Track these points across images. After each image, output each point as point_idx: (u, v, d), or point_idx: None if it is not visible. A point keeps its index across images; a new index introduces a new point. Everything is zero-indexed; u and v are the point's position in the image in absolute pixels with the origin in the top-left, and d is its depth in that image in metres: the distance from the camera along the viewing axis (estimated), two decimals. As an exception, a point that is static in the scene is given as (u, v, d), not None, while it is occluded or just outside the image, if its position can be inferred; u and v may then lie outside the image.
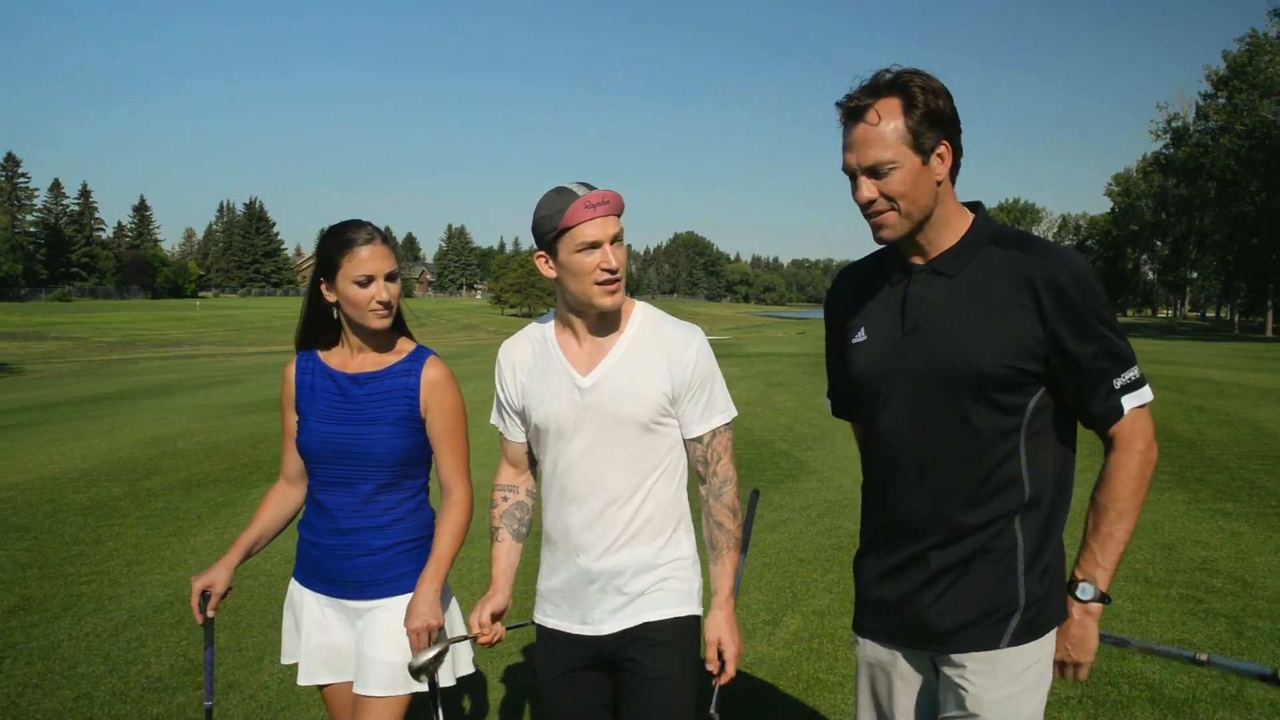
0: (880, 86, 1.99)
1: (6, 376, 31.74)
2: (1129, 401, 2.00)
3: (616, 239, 2.27)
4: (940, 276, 2.06)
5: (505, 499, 2.56)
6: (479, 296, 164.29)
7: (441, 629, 2.51)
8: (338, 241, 2.50)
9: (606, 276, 2.25)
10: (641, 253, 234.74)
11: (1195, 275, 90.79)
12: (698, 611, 2.39)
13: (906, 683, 2.19)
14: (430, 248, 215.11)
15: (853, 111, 2.00)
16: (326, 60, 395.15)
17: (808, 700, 4.15)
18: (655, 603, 2.33)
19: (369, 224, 2.55)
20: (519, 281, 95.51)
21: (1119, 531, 2.06)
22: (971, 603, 2.02)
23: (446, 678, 2.59)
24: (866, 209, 2.03)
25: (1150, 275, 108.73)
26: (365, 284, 2.48)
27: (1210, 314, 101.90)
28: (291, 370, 2.67)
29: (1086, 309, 1.95)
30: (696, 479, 2.42)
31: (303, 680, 2.66)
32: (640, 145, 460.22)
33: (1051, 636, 2.07)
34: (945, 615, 2.04)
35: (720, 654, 2.31)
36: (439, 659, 2.44)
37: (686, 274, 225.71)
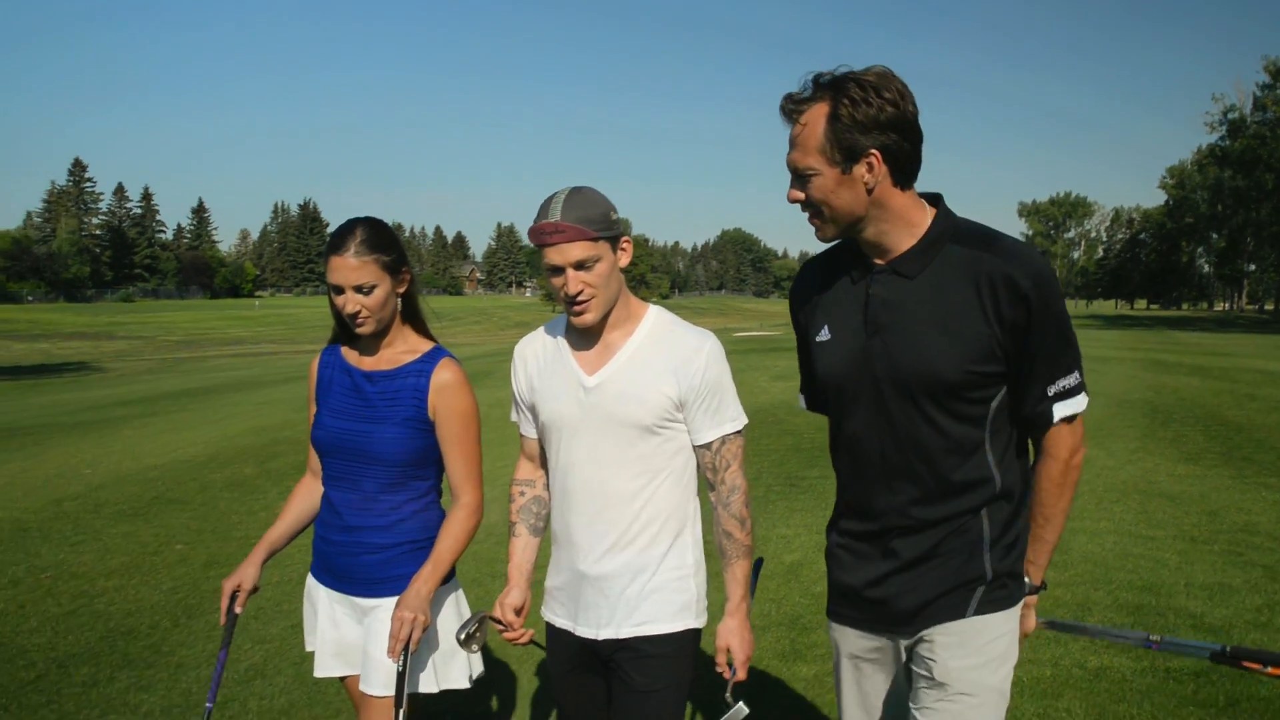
0: (814, 90, 1.97)
1: (92, 374, 33.20)
2: (1059, 410, 2.01)
3: (582, 264, 2.23)
4: (900, 278, 2.03)
5: (522, 494, 2.59)
6: (529, 294, 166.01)
7: (431, 628, 2.54)
8: (328, 244, 2.50)
9: (573, 300, 2.27)
10: (689, 250, 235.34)
11: (1253, 268, 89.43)
12: (694, 624, 2.38)
13: (880, 666, 2.24)
14: (479, 246, 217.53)
15: (784, 112, 2.01)
16: (379, 61, 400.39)
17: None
18: (649, 615, 2.33)
19: (359, 228, 2.48)
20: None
21: (1048, 534, 2.13)
22: (937, 579, 2.06)
23: (460, 679, 2.66)
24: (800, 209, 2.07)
25: (1206, 268, 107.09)
26: (337, 293, 2.47)
27: (1269, 307, 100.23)
28: (315, 364, 2.70)
29: (1040, 313, 1.93)
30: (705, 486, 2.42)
31: (318, 672, 2.69)
32: (688, 143, 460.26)
33: (1017, 610, 2.11)
34: (913, 596, 2.08)
35: (731, 659, 2.35)
36: (481, 628, 2.48)
37: (734, 270, 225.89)
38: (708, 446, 2.34)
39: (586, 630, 2.37)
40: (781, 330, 50.46)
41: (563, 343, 2.42)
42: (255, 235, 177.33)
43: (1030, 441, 2.10)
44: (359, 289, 2.45)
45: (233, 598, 2.65)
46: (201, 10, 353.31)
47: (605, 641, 2.34)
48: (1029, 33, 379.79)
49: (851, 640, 2.24)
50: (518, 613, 2.47)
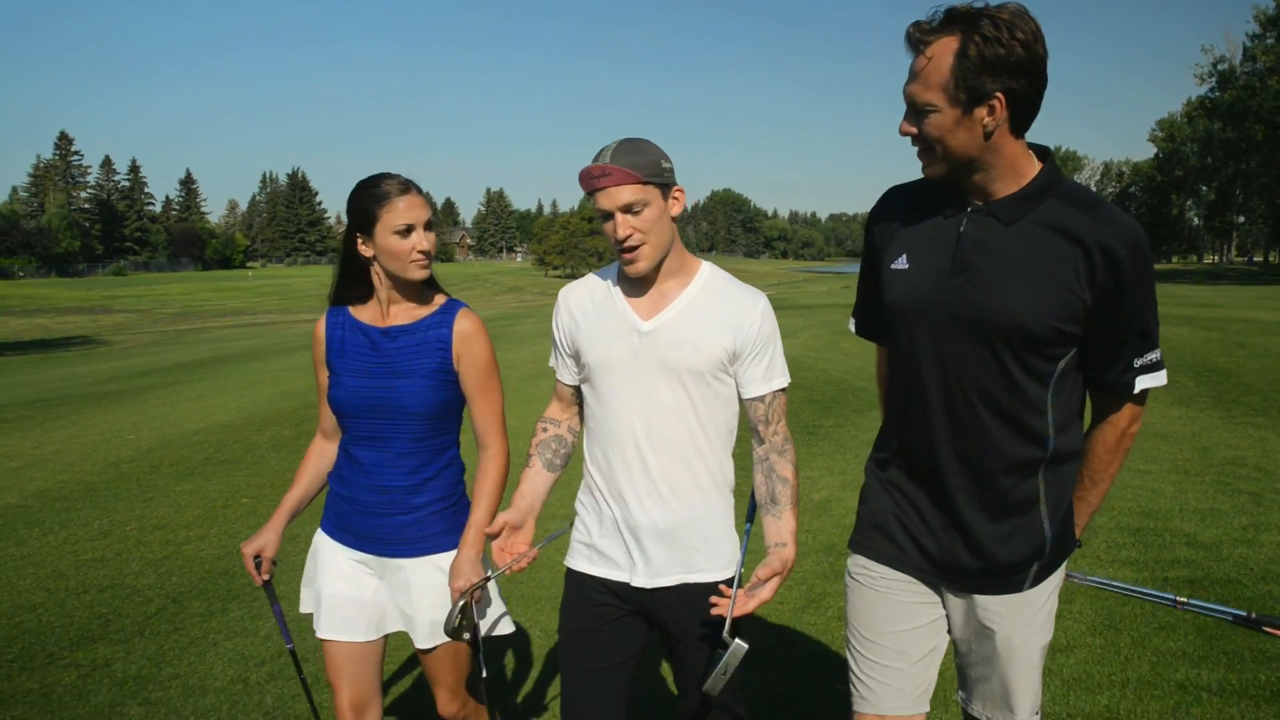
0: (944, 21, 1.87)
1: (97, 348, 33.54)
2: (1143, 381, 2.00)
3: (630, 208, 2.21)
4: (997, 221, 1.97)
5: (545, 430, 2.56)
6: (519, 259, 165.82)
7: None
8: (373, 194, 2.46)
9: (621, 245, 2.25)
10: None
11: (1242, 220, 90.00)
12: (733, 573, 2.35)
13: (906, 605, 2.19)
14: (469, 212, 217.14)
15: (910, 40, 1.91)
16: (365, 29, 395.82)
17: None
18: (702, 564, 2.33)
19: (398, 175, 2.51)
20: (561, 243, 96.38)
21: (1093, 497, 2.16)
22: (997, 547, 2.04)
23: (510, 623, 2.69)
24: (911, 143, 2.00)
25: (1196, 221, 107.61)
26: (405, 234, 2.46)
27: (1258, 259, 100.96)
28: (321, 327, 2.66)
29: (1134, 283, 1.90)
30: (753, 441, 2.42)
31: (320, 632, 2.64)
32: (676, 102, 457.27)
33: (1063, 568, 2.17)
34: (972, 557, 2.07)
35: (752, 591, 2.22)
36: (465, 613, 2.44)
37: (724, 231, 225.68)
38: (760, 399, 2.36)
39: (639, 579, 2.33)
40: (774, 290, 50.95)
41: (615, 289, 2.40)
42: (244, 206, 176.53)
43: (1092, 406, 2.10)
44: (428, 225, 2.50)
45: (257, 565, 2.70)
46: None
47: (651, 589, 2.33)
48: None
49: (883, 574, 2.20)
50: (514, 529, 2.38)
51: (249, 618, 4.92)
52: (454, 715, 2.68)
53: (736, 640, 2.14)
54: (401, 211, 2.44)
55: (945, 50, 1.84)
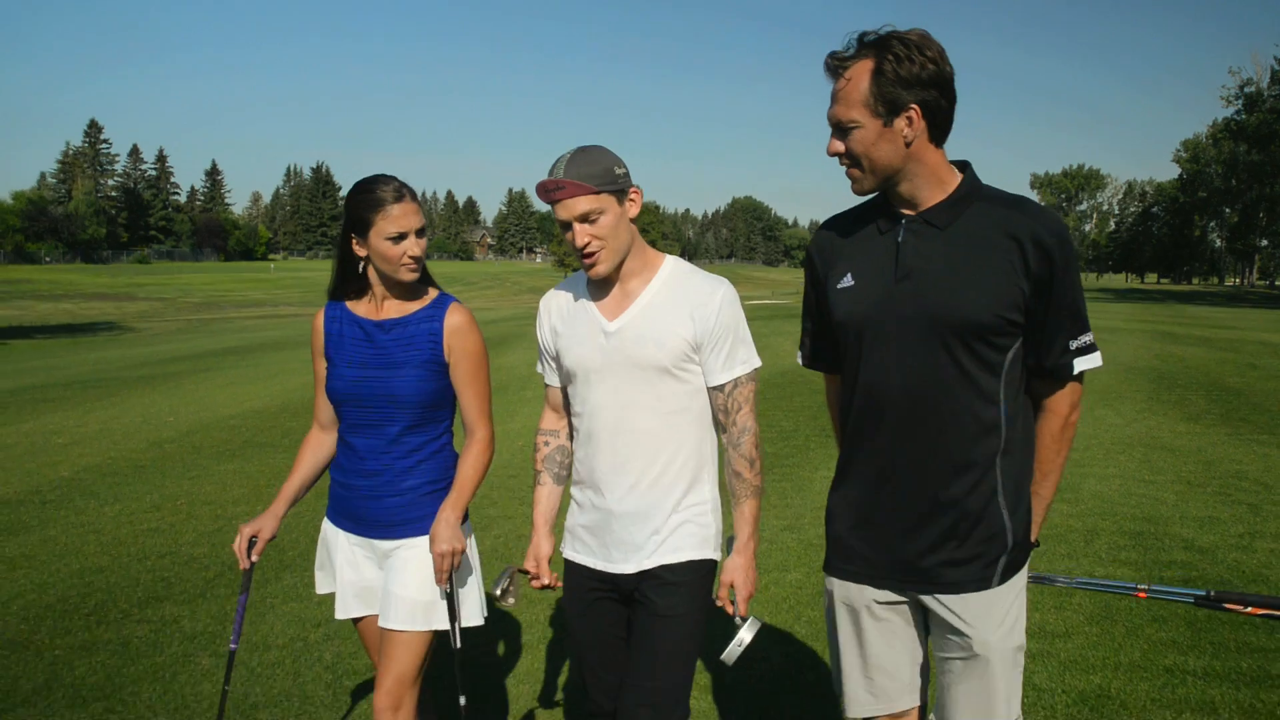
0: (858, 48, 2.05)
1: (124, 334, 34.12)
2: (1080, 363, 2.11)
3: (586, 217, 2.31)
4: (931, 227, 2.10)
5: (547, 444, 2.68)
6: (539, 259, 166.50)
7: (465, 561, 2.67)
8: (369, 199, 2.55)
9: (581, 252, 2.35)
10: (700, 217, 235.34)
11: (1265, 243, 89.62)
12: (713, 556, 2.48)
13: (887, 620, 2.26)
14: (490, 211, 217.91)
15: (828, 68, 2.08)
16: (394, 24, 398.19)
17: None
18: (672, 546, 2.43)
19: (395, 179, 2.60)
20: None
21: (1045, 490, 2.25)
22: (962, 544, 2.12)
23: (468, 618, 2.75)
24: (839, 162, 2.14)
25: (1218, 243, 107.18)
26: (397, 240, 2.56)
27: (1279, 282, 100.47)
28: (320, 320, 2.76)
29: (1061, 269, 2.04)
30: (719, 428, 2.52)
31: (340, 613, 2.80)
32: (698, 111, 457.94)
33: (1026, 569, 2.23)
34: (936, 555, 2.13)
35: (734, 595, 2.42)
36: (514, 582, 2.63)
37: (744, 239, 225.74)
38: (720, 389, 2.44)
39: (614, 566, 2.47)
40: (792, 299, 51.16)
41: (585, 293, 2.52)
42: (268, 198, 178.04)
43: (1035, 396, 2.20)
44: (419, 232, 2.60)
45: (251, 547, 2.76)
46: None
47: (632, 574, 2.45)
48: (1045, 6, 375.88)
49: (853, 593, 2.27)
50: (549, 561, 2.61)
51: (302, 585, 5.28)
52: (388, 707, 2.62)
53: (752, 617, 2.34)
54: (394, 219, 2.54)
55: (862, 71, 2.03)
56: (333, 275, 2.75)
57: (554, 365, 2.60)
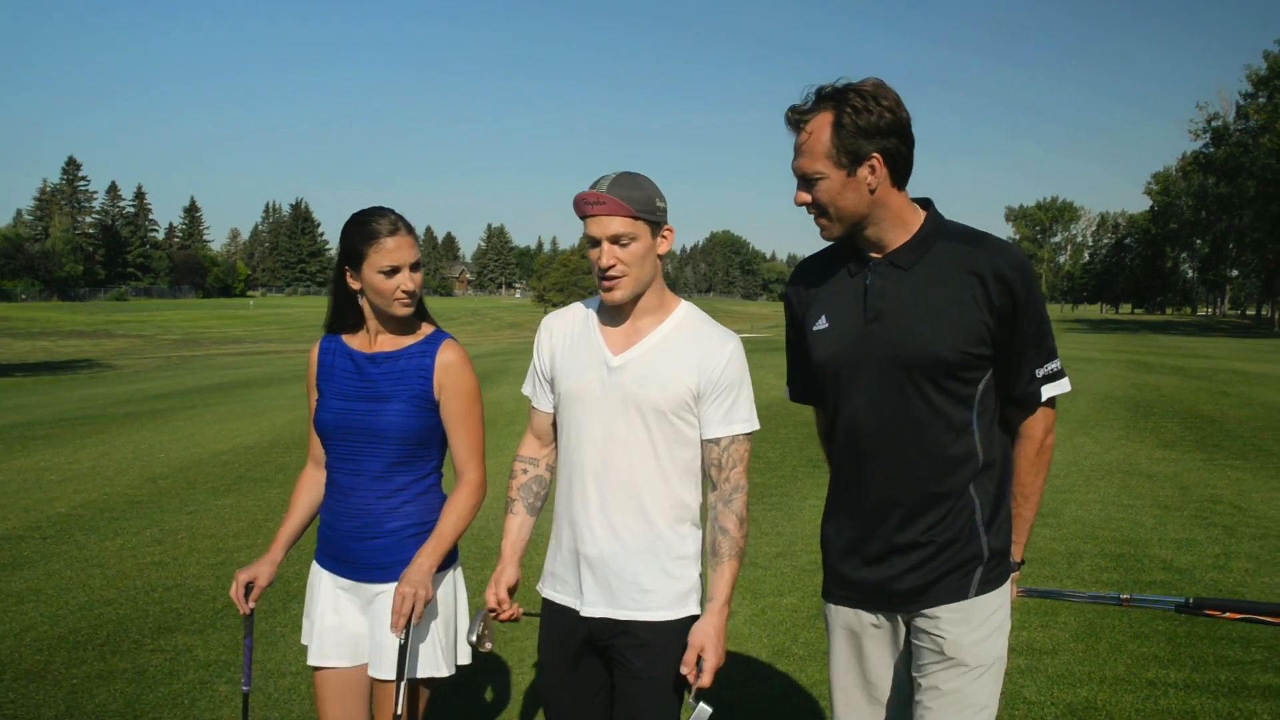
0: (816, 101, 2.11)
1: (104, 371, 33.99)
2: (1048, 390, 2.19)
3: (618, 239, 2.27)
4: (897, 269, 2.17)
5: (525, 471, 2.59)
6: (519, 295, 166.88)
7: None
8: (363, 231, 2.51)
9: (603, 273, 2.30)
10: (678, 252, 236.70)
11: (1235, 273, 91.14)
12: (693, 612, 2.37)
13: (881, 643, 2.32)
14: (469, 247, 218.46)
15: (789, 122, 2.15)
16: (371, 60, 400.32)
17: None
18: (651, 602, 2.34)
19: (391, 212, 2.56)
20: (561, 280, 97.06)
21: (1026, 511, 2.32)
22: (939, 561, 2.18)
23: (448, 665, 2.65)
24: (807, 210, 2.19)
25: (1190, 273, 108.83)
26: (391, 274, 2.51)
27: (1251, 312, 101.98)
28: (315, 352, 2.74)
29: (1024, 301, 2.10)
30: (708, 485, 2.43)
31: (311, 660, 2.69)
32: (676, 144, 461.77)
33: (1009, 584, 2.28)
34: (917, 576, 2.19)
35: (700, 661, 2.25)
36: (488, 626, 2.48)
37: (723, 273, 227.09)
38: (716, 442, 2.36)
39: (588, 609, 2.38)
40: (773, 333, 51.57)
41: (592, 319, 2.45)
42: (246, 235, 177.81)
43: (1010, 424, 2.27)
44: (414, 266, 2.55)
45: (247, 592, 2.70)
46: (194, 9, 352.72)
47: (604, 621, 2.36)
48: (1015, 36, 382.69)
49: (850, 618, 2.33)
50: (511, 592, 2.49)
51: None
52: None
53: (701, 704, 2.15)
54: (388, 252, 2.50)
55: (823, 124, 2.09)
56: (329, 308, 2.72)
57: (546, 389, 2.53)
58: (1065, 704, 3.98)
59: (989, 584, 2.19)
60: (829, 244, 2.31)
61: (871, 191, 2.11)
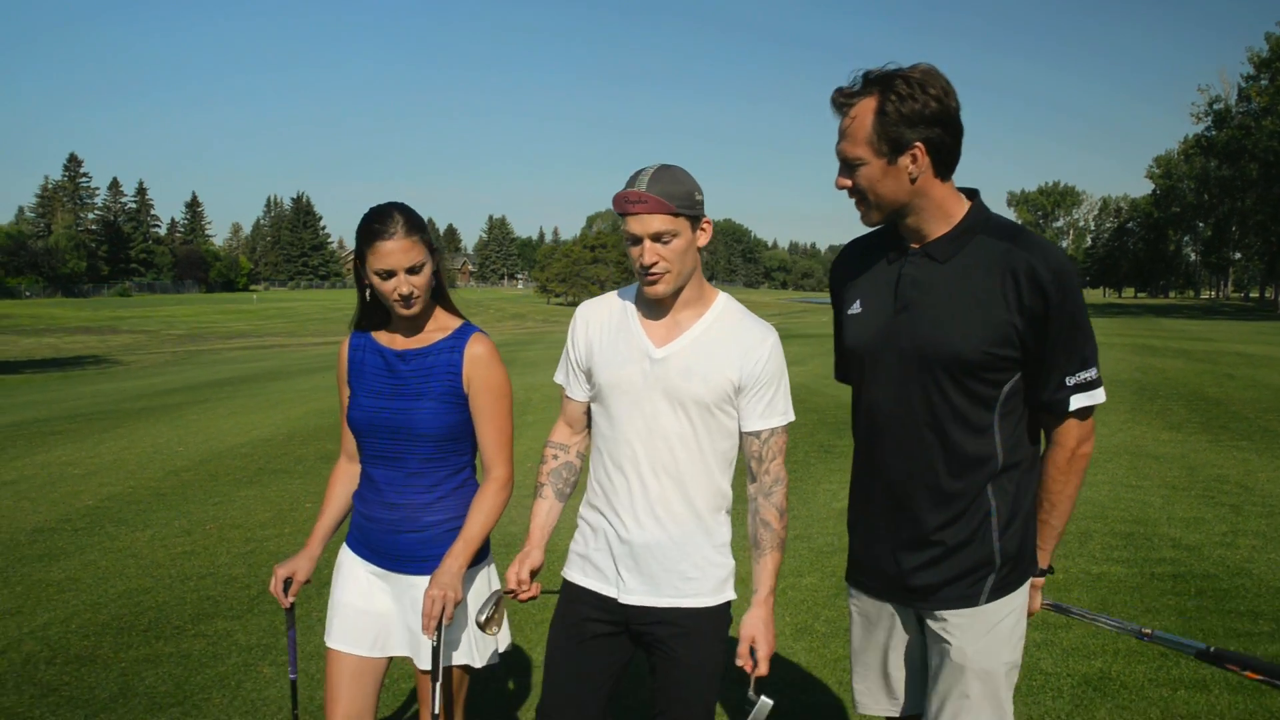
0: (863, 85, 2.08)
1: (112, 367, 34.12)
2: (1076, 400, 2.11)
3: (659, 236, 2.26)
4: (932, 261, 2.13)
5: (555, 457, 2.61)
6: (520, 286, 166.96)
7: (491, 596, 2.53)
8: (366, 233, 2.50)
9: (646, 270, 2.30)
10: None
11: (1238, 256, 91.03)
12: (731, 596, 2.42)
13: (895, 632, 2.35)
14: (471, 238, 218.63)
15: (835, 104, 2.12)
16: (371, 53, 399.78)
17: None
18: (691, 590, 2.37)
19: (397, 212, 2.51)
20: (564, 271, 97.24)
21: (1054, 519, 2.26)
22: (951, 563, 2.16)
23: (485, 656, 2.68)
24: (848, 194, 2.18)
25: (1192, 257, 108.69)
26: (386, 277, 2.49)
27: (1254, 294, 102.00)
28: (345, 348, 2.73)
29: (1058, 304, 2.03)
30: (746, 477, 2.44)
31: (329, 641, 2.69)
32: (676, 134, 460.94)
33: (1024, 589, 2.23)
34: (928, 574, 2.18)
35: (753, 650, 2.31)
36: (499, 608, 2.50)
37: (725, 261, 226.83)
38: (756, 435, 2.39)
39: (628, 596, 2.40)
40: (774, 320, 51.65)
41: (631, 310, 2.46)
42: (248, 229, 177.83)
43: (1043, 430, 2.22)
44: (411, 270, 2.49)
45: (286, 587, 2.73)
46: (194, 5, 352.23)
47: (640, 608, 2.39)
48: (1016, 21, 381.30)
49: (869, 605, 2.38)
50: (533, 574, 2.50)
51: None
52: None
53: (763, 698, 2.21)
54: (383, 256, 2.46)
55: (866, 110, 2.05)
56: (357, 305, 2.72)
57: (581, 378, 2.53)
58: (1080, 675, 4.14)
59: (1001, 590, 2.18)
60: (872, 229, 2.30)
61: (912, 180, 2.08)
